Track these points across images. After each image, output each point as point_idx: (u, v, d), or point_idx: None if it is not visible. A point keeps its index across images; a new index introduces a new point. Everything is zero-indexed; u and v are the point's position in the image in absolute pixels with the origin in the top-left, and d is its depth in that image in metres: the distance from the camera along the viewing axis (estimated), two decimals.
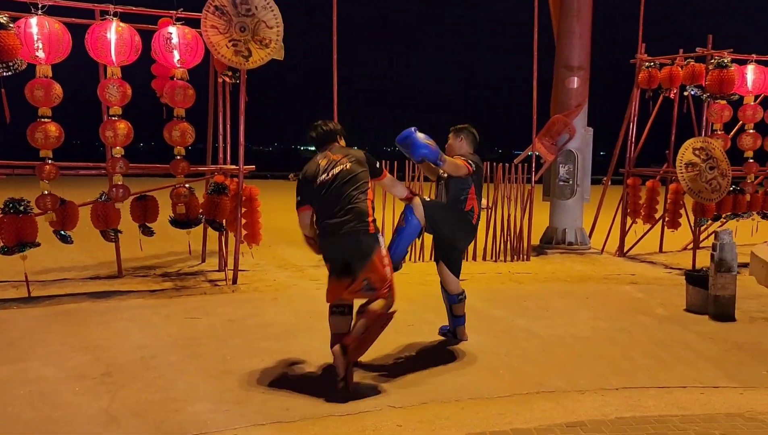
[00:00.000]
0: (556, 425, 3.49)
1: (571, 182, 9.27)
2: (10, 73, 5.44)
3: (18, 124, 5.92)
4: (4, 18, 5.35)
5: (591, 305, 6.18)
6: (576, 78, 9.28)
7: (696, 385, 4.12)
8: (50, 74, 5.80)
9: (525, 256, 8.64)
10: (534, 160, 8.75)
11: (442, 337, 5.00)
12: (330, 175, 4.03)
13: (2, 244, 5.81)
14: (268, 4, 6.51)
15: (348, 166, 4.05)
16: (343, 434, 3.35)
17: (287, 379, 4.11)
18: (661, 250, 9.41)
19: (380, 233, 4.11)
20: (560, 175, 9.29)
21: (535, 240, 9.34)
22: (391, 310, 4.05)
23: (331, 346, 4.02)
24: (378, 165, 4.26)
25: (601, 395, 3.92)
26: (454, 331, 4.96)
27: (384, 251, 4.08)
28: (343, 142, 4.32)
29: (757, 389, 4.09)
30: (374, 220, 4.07)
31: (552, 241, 9.48)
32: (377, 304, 3.99)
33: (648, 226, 9.13)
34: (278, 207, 13.49)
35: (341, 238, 3.97)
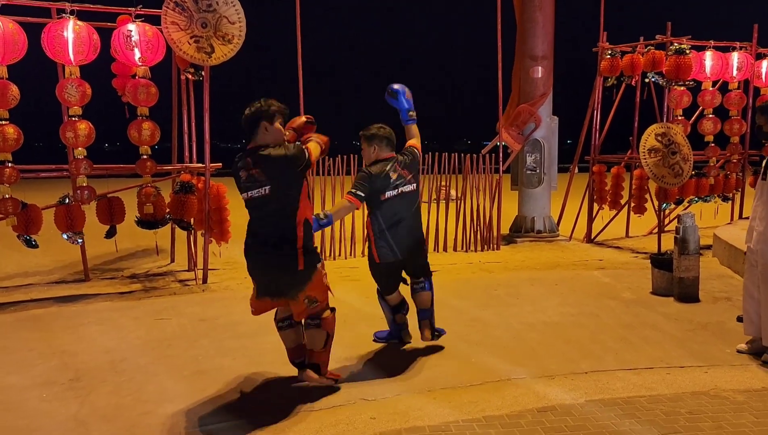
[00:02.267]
0: (528, 411, 3.54)
1: (538, 171, 9.38)
2: None
3: None
4: None
5: (560, 291, 6.27)
6: (540, 67, 9.36)
7: (662, 366, 4.22)
8: (6, 75, 5.65)
9: (495, 246, 8.72)
10: (501, 150, 8.82)
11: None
12: None
13: None
14: None
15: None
16: (318, 429, 3.36)
17: (260, 377, 4.09)
18: (627, 235, 9.59)
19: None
20: (527, 164, 9.39)
21: (505, 229, 9.43)
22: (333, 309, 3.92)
23: (296, 364, 3.91)
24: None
25: (571, 379, 3.99)
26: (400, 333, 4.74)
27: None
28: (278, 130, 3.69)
29: (721, 367, 4.21)
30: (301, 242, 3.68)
31: (521, 230, 9.58)
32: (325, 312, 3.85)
33: (614, 212, 9.29)
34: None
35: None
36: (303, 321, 3.84)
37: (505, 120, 9.25)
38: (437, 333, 4.63)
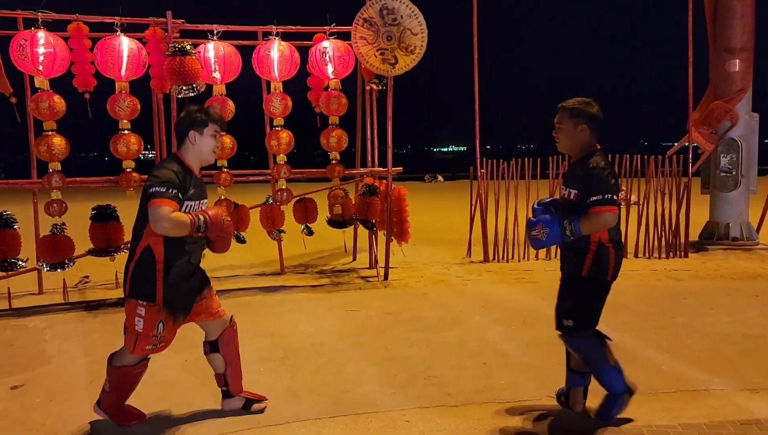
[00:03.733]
0: (728, 422, 3.37)
1: (734, 173, 8.62)
2: (193, 93, 6.13)
3: None
4: (189, 45, 6.09)
5: (763, 303, 5.76)
6: (738, 61, 8.61)
7: None
8: (224, 92, 6.51)
9: (682, 253, 8.17)
10: (691, 150, 8.26)
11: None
12: None
13: None
14: (413, 12, 6.79)
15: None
16: (504, 416, 3.49)
17: (444, 367, 4.31)
18: None
19: None
20: (721, 165, 8.67)
21: (693, 236, 8.79)
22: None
23: None
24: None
25: None
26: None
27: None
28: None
29: None
30: None
31: (713, 237, 8.86)
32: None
33: None
34: (419, 208, 13.85)
35: None
36: None
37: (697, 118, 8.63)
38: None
